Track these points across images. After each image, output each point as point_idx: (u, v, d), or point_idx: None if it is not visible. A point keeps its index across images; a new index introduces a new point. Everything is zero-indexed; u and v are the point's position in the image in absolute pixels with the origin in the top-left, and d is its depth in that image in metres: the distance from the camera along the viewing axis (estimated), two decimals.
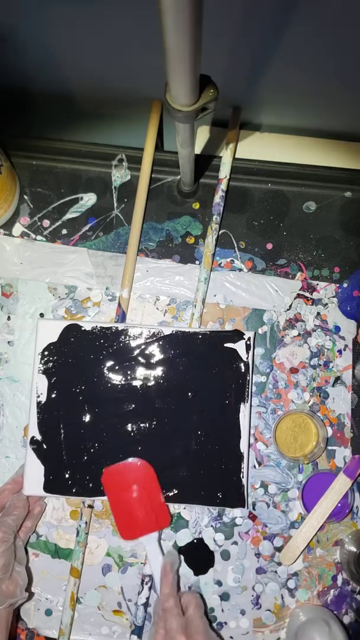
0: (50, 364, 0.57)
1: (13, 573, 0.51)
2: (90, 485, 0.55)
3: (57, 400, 0.56)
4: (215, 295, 0.61)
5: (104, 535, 0.57)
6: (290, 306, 0.61)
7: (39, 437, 0.56)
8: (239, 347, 0.57)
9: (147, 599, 0.55)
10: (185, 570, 0.57)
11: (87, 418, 0.56)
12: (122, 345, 0.57)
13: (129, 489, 0.54)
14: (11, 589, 0.50)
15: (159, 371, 0.57)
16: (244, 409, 0.56)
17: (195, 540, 0.57)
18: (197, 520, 0.57)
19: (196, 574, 0.57)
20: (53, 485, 0.55)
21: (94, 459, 0.56)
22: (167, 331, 0.57)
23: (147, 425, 0.56)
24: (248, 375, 0.57)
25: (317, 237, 0.62)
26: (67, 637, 0.55)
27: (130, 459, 0.55)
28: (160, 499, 0.55)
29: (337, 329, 0.60)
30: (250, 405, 0.57)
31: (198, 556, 0.57)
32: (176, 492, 0.55)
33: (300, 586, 0.57)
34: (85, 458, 0.56)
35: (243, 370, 0.57)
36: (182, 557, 0.56)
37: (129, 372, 0.57)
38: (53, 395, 0.56)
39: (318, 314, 0.61)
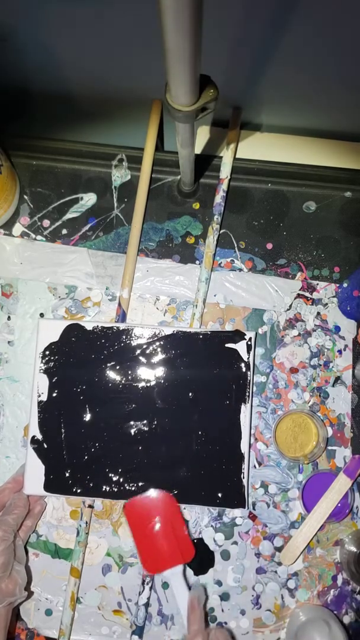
0: (51, 364, 0.57)
1: (12, 572, 0.51)
2: (91, 485, 0.55)
3: (58, 399, 0.56)
4: (215, 295, 0.61)
5: (104, 535, 0.57)
6: (290, 306, 0.61)
7: (39, 436, 0.56)
8: (240, 347, 0.57)
9: (148, 599, 0.55)
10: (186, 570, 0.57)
11: (87, 418, 0.56)
12: (123, 345, 0.57)
13: (152, 522, 0.54)
14: (10, 588, 0.50)
15: (159, 371, 0.57)
16: (244, 409, 0.56)
17: (195, 540, 0.57)
18: (197, 520, 0.57)
19: (196, 574, 0.57)
20: (53, 484, 0.55)
21: (94, 458, 0.56)
22: (167, 331, 0.57)
23: (148, 425, 0.56)
24: (249, 375, 0.57)
25: (317, 237, 0.62)
26: (67, 637, 0.55)
27: (152, 491, 0.55)
28: (183, 531, 0.54)
29: (337, 329, 0.61)
30: (251, 406, 0.57)
31: (198, 556, 0.57)
32: (176, 492, 0.55)
33: (300, 586, 0.57)
34: (86, 458, 0.56)
35: (244, 371, 0.57)
36: (207, 591, 0.56)
37: (129, 372, 0.57)
38: (54, 395, 0.56)
39: (318, 313, 0.61)
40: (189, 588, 0.54)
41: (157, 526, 0.54)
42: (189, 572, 0.56)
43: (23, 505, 0.54)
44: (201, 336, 0.57)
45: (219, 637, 0.50)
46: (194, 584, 0.55)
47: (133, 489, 0.55)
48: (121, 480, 0.55)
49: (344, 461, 0.58)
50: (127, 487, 0.55)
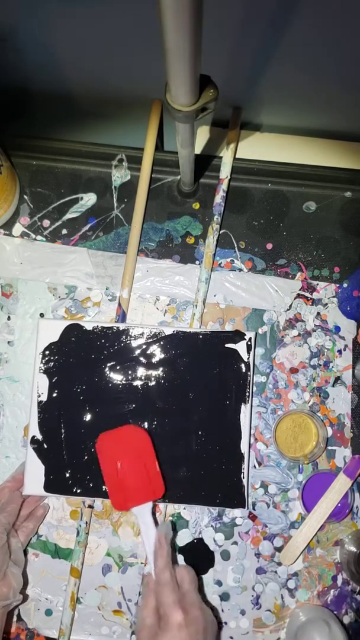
0: (51, 364, 0.57)
1: (7, 574, 0.50)
2: (91, 485, 0.55)
3: (58, 399, 0.56)
4: (215, 295, 0.61)
5: (104, 535, 0.57)
6: (290, 306, 0.61)
7: (39, 436, 0.56)
8: (240, 347, 0.57)
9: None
10: None
11: (87, 418, 0.56)
12: (123, 345, 0.57)
13: (123, 457, 0.53)
14: (4, 591, 0.49)
15: (159, 371, 0.57)
16: (244, 410, 0.56)
17: (195, 540, 0.57)
18: (197, 520, 0.57)
19: (196, 574, 0.56)
20: (53, 484, 0.55)
21: (94, 458, 0.56)
22: (168, 331, 0.57)
23: (148, 425, 0.56)
24: (249, 375, 0.57)
25: (317, 237, 0.62)
26: (67, 637, 0.55)
27: (125, 426, 0.54)
28: (155, 467, 0.53)
29: (337, 329, 0.60)
30: (251, 406, 0.57)
31: (198, 556, 0.57)
32: (176, 492, 0.55)
33: (300, 586, 0.57)
34: (86, 458, 0.56)
35: (244, 371, 0.57)
36: (176, 527, 0.55)
37: (129, 372, 0.57)
38: (54, 395, 0.56)
39: (318, 314, 0.61)
40: (157, 525, 0.53)
41: (130, 462, 0.52)
42: None
43: (16, 503, 0.53)
44: (201, 336, 0.57)
45: (184, 574, 0.49)
46: (162, 522, 0.55)
47: None
48: None
49: (344, 461, 0.58)
50: None
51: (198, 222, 0.62)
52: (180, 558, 0.57)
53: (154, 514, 0.54)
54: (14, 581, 0.50)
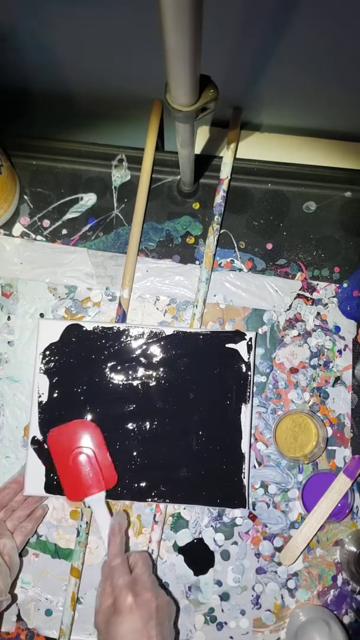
0: (52, 364, 0.57)
1: None
2: None
3: (59, 400, 0.56)
4: (215, 295, 0.61)
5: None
6: (290, 306, 0.61)
7: (40, 437, 0.56)
8: (240, 347, 0.57)
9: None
10: (185, 570, 0.57)
11: (88, 418, 0.56)
12: (124, 345, 0.57)
13: (74, 449, 0.54)
14: None
15: (160, 371, 0.57)
16: (245, 410, 0.56)
17: (195, 540, 0.57)
18: (197, 520, 0.57)
19: (196, 574, 0.57)
20: (54, 485, 0.55)
21: None
22: (168, 331, 0.57)
23: (148, 425, 0.56)
24: (249, 375, 0.57)
25: (317, 237, 0.62)
26: (67, 637, 0.55)
27: (74, 421, 0.55)
28: (107, 458, 0.55)
29: (337, 329, 0.60)
30: (252, 406, 0.57)
31: (198, 556, 0.57)
32: (177, 492, 0.55)
33: (300, 586, 0.57)
34: None
35: (244, 371, 0.57)
36: (129, 516, 0.56)
37: (130, 372, 0.57)
38: (54, 395, 0.56)
39: (318, 314, 0.61)
40: (111, 514, 0.54)
41: (81, 454, 0.54)
42: (189, 572, 0.56)
43: (13, 490, 0.55)
44: (201, 336, 0.57)
45: (137, 558, 0.51)
46: (117, 511, 0.56)
47: (133, 489, 0.55)
48: (122, 480, 0.55)
49: (344, 461, 0.58)
50: (128, 488, 0.55)
51: (198, 222, 0.62)
52: (180, 558, 0.57)
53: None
54: (0, 581, 0.50)
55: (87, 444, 0.55)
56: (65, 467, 0.54)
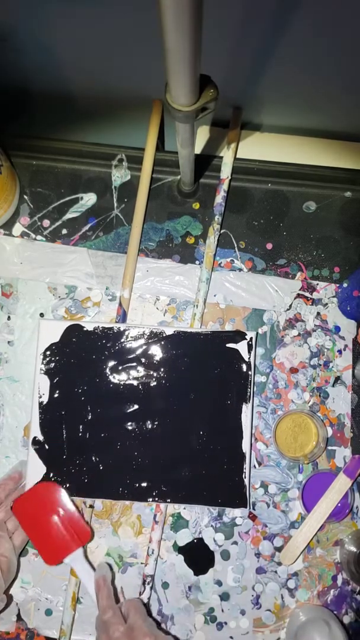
0: (52, 364, 0.57)
1: None
2: (92, 485, 0.55)
3: (59, 400, 0.56)
4: (215, 295, 0.61)
5: (104, 535, 0.57)
6: (290, 306, 0.61)
7: (40, 437, 0.56)
8: (241, 347, 0.57)
9: (149, 599, 0.55)
10: (186, 570, 0.57)
11: (89, 418, 0.56)
12: (124, 345, 0.57)
13: (41, 514, 0.54)
14: None
15: (160, 371, 0.57)
16: (245, 409, 0.56)
17: (195, 540, 0.57)
18: (197, 520, 0.57)
19: (196, 574, 0.57)
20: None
21: (96, 459, 0.56)
22: (168, 331, 0.57)
23: (149, 425, 0.56)
24: (250, 375, 0.57)
25: (317, 237, 0.62)
26: (68, 637, 0.55)
27: (34, 486, 0.55)
28: (75, 515, 0.54)
29: (337, 329, 0.60)
30: (253, 406, 0.57)
31: (198, 556, 0.57)
32: (178, 492, 0.55)
33: (300, 586, 0.57)
34: (87, 458, 0.56)
35: (245, 370, 0.57)
36: (111, 568, 0.56)
37: (130, 372, 0.57)
38: (55, 396, 0.56)
39: (318, 314, 0.61)
40: (94, 569, 0.54)
41: (48, 517, 0.54)
42: (189, 572, 0.56)
43: (9, 487, 0.54)
44: (202, 336, 0.57)
45: (129, 606, 0.50)
46: (99, 564, 0.55)
47: (134, 489, 0.55)
48: (122, 480, 0.55)
49: (344, 461, 0.58)
50: (129, 488, 0.55)
51: (198, 222, 0.62)
52: (180, 558, 0.57)
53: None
54: None
55: (50, 505, 0.54)
56: (35, 534, 0.54)
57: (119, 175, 0.63)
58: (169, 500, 0.55)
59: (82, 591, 0.56)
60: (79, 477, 0.56)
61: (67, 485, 0.55)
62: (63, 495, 0.55)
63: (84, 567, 0.54)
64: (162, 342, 0.57)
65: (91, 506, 0.57)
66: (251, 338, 0.57)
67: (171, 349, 0.57)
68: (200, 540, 0.57)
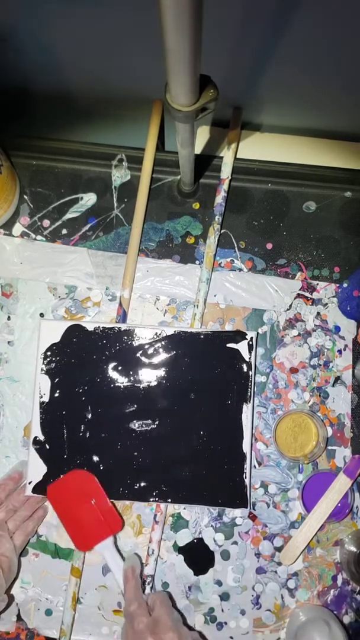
0: (53, 365, 0.57)
1: None
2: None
3: (60, 400, 0.56)
4: (215, 295, 0.61)
5: None
6: (290, 306, 0.61)
7: (41, 437, 0.56)
8: (241, 347, 0.57)
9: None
10: (185, 570, 0.57)
11: (89, 418, 0.56)
12: (125, 345, 0.57)
13: (74, 500, 0.54)
14: None
15: (161, 371, 0.57)
16: (246, 409, 0.56)
17: (195, 540, 0.57)
18: (197, 520, 0.57)
19: (196, 574, 0.57)
20: None
21: (96, 459, 0.56)
22: (169, 331, 0.57)
23: (150, 425, 0.56)
24: (250, 375, 0.57)
25: (317, 237, 0.62)
26: (68, 637, 0.55)
27: (69, 473, 0.55)
28: (107, 504, 0.55)
29: (337, 329, 0.60)
30: (253, 406, 0.57)
31: (198, 556, 0.57)
32: (179, 492, 0.55)
33: (300, 586, 0.57)
34: (88, 458, 0.56)
35: (245, 370, 0.57)
36: (141, 560, 0.56)
37: (131, 373, 0.57)
38: (56, 396, 0.56)
39: (318, 314, 0.61)
40: (123, 558, 0.55)
41: (82, 504, 0.54)
42: (189, 572, 0.56)
43: (8, 487, 0.55)
44: (202, 336, 0.57)
45: (155, 599, 0.50)
46: (128, 555, 0.56)
47: (134, 489, 0.55)
48: (123, 480, 0.55)
49: (344, 461, 0.58)
50: (129, 488, 0.55)
51: (198, 222, 0.62)
52: (180, 558, 0.57)
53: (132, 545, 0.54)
54: None
55: (85, 493, 0.55)
56: (68, 519, 0.55)
57: (119, 175, 0.63)
58: (169, 500, 0.55)
59: (82, 591, 0.56)
60: None
61: None
62: (95, 484, 0.55)
63: (114, 556, 0.54)
64: (163, 342, 0.57)
65: None
66: (251, 338, 0.57)
67: (171, 349, 0.57)
68: (200, 540, 0.57)
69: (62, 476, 0.55)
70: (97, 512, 0.54)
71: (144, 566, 0.56)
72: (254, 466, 0.58)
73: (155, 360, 0.57)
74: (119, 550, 0.55)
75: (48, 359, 0.57)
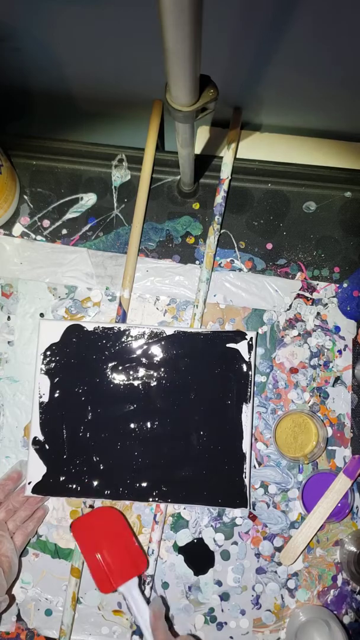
0: (53, 365, 0.57)
1: None
2: (93, 485, 0.55)
3: (60, 400, 0.56)
4: (215, 295, 0.61)
5: None
6: (290, 306, 0.61)
7: (41, 437, 0.56)
8: (241, 347, 0.57)
9: (149, 598, 0.55)
10: (185, 570, 0.57)
11: (89, 418, 0.56)
12: (125, 345, 0.57)
13: (102, 540, 0.53)
14: None
15: (161, 371, 0.57)
16: (246, 409, 0.56)
17: (195, 540, 0.57)
18: (197, 520, 0.57)
19: (196, 574, 0.57)
20: (55, 485, 0.55)
21: (96, 459, 0.56)
22: (169, 331, 0.57)
23: (150, 425, 0.56)
24: (250, 375, 0.57)
25: (317, 237, 0.62)
26: (68, 637, 0.55)
27: (96, 509, 0.55)
28: (134, 543, 0.54)
29: (337, 329, 0.60)
30: (253, 406, 0.57)
31: (198, 556, 0.57)
32: (178, 492, 0.55)
33: (300, 586, 0.57)
34: (87, 458, 0.56)
35: (245, 370, 0.57)
36: (167, 602, 0.55)
37: (131, 372, 0.57)
38: (55, 396, 0.56)
39: (318, 314, 0.61)
40: (147, 600, 0.54)
41: (108, 544, 0.53)
42: (189, 572, 0.56)
43: (8, 488, 0.54)
44: (202, 336, 0.57)
45: None
46: (154, 598, 0.55)
47: (134, 489, 0.55)
48: (122, 480, 0.55)
49: (344, 461, 0.58)
50: (129, 488, 0.55)
51: (198, 222, 0.62)
52: (180, 558, 0.57)
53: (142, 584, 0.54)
54: None
55: (113, 531, 0.54)
56: (93, 559, 0.53)
57: (119, 175, 0.63)
58: (169, 500, 0.55)
59: (82, 591, 0.56)
60: (80, 477, 0.55)
61: (68, 485, 0.55)
62: (122, 522, 0.54)
63: (137, 597, 0.53)
64: (162, 342, 0.57)
65: (91, 506, 0.57)
66: (251, 338, 0.57)
67: (171, 349, 0.57)
68: (200, 540, 0.57)
69: (89, 511, 0.54)
70: (126, 552, 0.53)
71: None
72: (254, 466, 0.58)
73: (155, 360, 0.57)
74: (142, 591, 0.54)
75: (48, 359, 0.57)
